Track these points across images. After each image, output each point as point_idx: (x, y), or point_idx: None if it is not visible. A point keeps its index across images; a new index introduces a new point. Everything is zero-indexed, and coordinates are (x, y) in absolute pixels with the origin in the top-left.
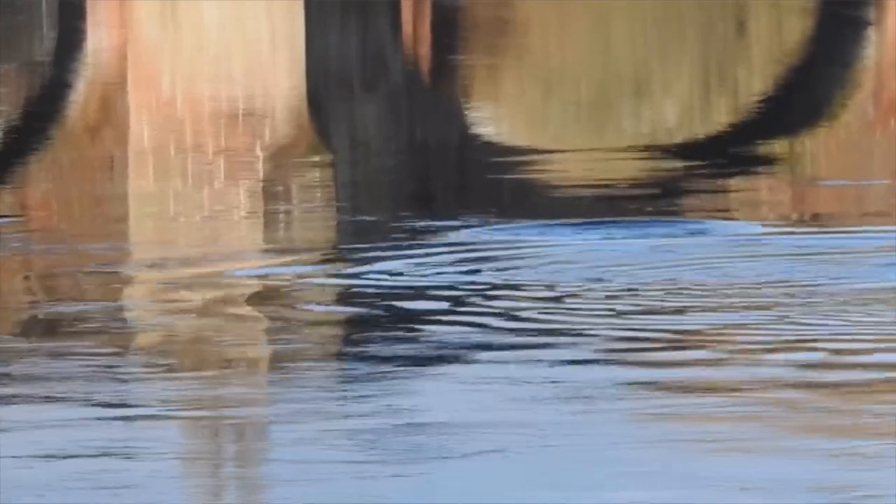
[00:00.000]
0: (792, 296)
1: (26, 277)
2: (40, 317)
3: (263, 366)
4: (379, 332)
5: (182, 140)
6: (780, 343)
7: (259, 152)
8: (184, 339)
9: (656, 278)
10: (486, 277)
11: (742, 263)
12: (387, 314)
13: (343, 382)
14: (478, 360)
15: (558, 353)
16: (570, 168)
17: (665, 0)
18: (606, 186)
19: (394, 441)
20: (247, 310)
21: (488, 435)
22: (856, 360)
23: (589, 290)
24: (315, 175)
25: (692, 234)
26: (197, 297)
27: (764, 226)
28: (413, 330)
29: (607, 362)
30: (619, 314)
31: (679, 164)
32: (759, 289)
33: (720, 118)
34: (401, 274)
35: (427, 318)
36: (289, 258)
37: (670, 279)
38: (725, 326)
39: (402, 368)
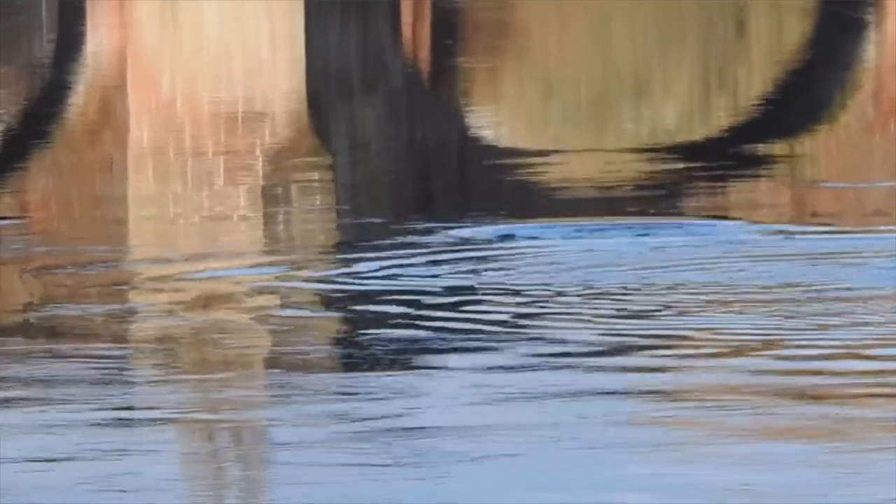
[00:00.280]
0: (792, 298)
1: (26, 279)
2: (40, 319)
3: (266, 368)
4: (381, 334)
5: (181, 142)
6: (781, 345)
7: (259, 154)
8: (184, 341)
9: (656, 280)
10: (485, 279)
11: (741, 265)
12: (387, 316)
13: (346, 384)
14: (479, 362)
15: (559, 354)
16: (570, 169)
17: (665, 0)
18: (606, 188)
19: (400, 444)
20: (248, 311)
21: (493, 438)
22: (854, 367)
23: (589, 291)
24: (315, 176)
25: (692, 235)
26: (197, 299)
27: (763, 227)
28: (414, 330)
29: (611, 365)
30: (619, 316)
31: (679, 165)
32: (758, 291)
33: (720, 119)
34: (401, 276)
35: (427, 319)
36: (288, 260)
37: (670, 281)
38: (725, 328)
39: (404, 371)
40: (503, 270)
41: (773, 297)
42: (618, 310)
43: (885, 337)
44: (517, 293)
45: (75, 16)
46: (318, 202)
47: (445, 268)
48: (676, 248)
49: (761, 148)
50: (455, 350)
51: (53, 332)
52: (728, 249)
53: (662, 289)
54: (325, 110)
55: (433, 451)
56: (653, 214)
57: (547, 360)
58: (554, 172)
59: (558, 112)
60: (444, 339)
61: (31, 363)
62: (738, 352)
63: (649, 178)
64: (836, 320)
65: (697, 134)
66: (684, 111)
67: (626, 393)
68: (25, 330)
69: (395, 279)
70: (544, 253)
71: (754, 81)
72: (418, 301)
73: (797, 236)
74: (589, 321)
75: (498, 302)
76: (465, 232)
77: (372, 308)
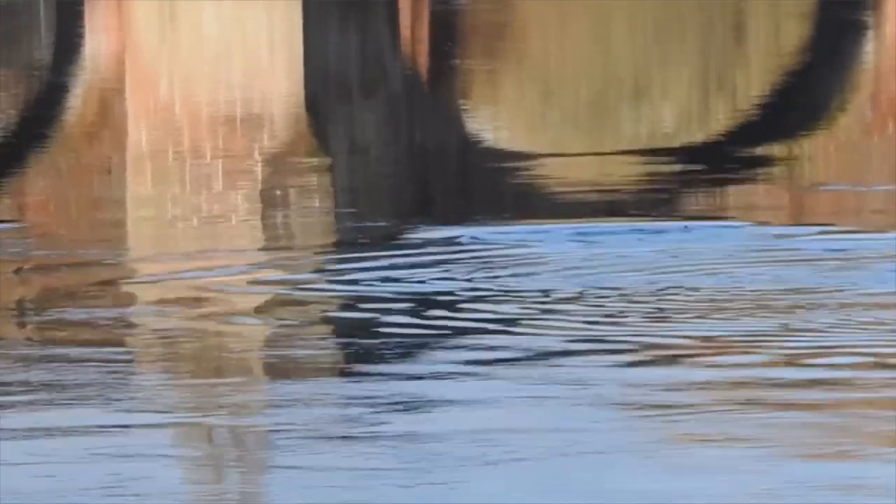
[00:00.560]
0: (792, 301)
1: (25, 282)
2: (40, 322)
3: (268, 372)
4: (382, 338)
5: (180, 144)
6: (780, 348)
7: (257, 156)
8: (184, 344)
9: (657, 283)
10: (486, 282)
11: (740, 268)
12: (388, 319)
13: (349, 387)
14: (482, 366)
15: (559, 354)
16: (569, 171)
17: (665, 0)
18: (605, 190)
19: (408, 449)
20: (248, 314)
21: (503, 443)
22: (856, 371)
23: (589, 294)
24: (313, 179)
25: (691, 237)
26: (197, 302)
27: (762, 229)
28: (416, 332)
29: (615, 368)
30: (620, 318)
31: (677, 167)
32: (758, 293)
33: (719, 121)
34: (400, 279)
35: (427, 320)
36: (288, 262)
37: (670, 283)
38: (724, 332)
39: (407, 375)
40: (504, 273)
41: (772, 301)
42: (620, 313)
43: (887, 341)
44: (518, 296)
45: (74, 18)
46: (317, 205)
47: (446, 271)
48: (676, 251)
49: (760, 150)
50: (457, 352)
51: (53, 335)
52: (727, 252)
53: (662, 291)
54: (323, 113)
55: (443, 457)
56: (652, 217)
57: (548, 364)
58: (553, 175)
59: (557, 115)
60: (446, 343)
61: (31, 366)
62: (738, 356)
63: (648, 180)
64: (836, 322)
65: (696, 136)
66: (683, 114)
67: (632, 400)
68: (25, 333)
69: (396, 282)
70: (544, 256)
71: (753, 83)
72: (419, 304)
73: (796, 238)
74: (589, 324)
75: (500, 305)
76: (465, 235)
77: (373, 311)
